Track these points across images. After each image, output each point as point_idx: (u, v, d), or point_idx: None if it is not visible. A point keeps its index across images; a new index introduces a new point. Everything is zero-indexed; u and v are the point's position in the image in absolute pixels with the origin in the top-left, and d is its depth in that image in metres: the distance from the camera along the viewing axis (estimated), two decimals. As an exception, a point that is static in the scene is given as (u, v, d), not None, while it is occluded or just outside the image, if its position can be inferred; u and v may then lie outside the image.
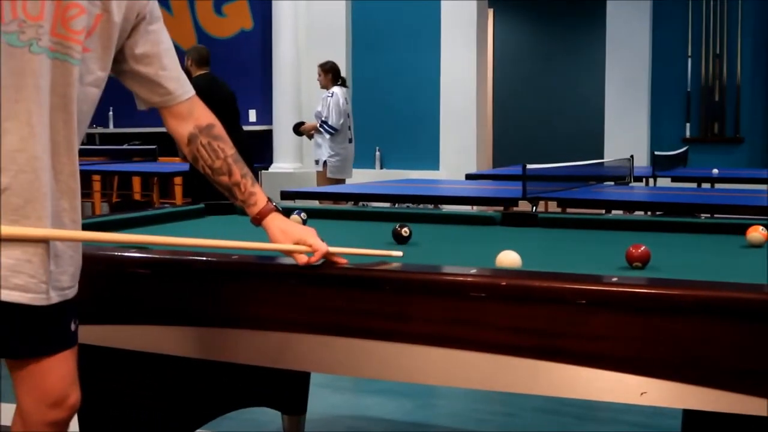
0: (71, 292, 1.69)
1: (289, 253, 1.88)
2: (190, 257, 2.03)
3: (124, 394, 2.38)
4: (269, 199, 1.95)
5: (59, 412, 1.70)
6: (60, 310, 1.66)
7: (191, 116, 1.91)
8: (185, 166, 8.46)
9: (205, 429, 2.81)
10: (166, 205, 6.46)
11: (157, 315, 2.03)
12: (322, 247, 1.85)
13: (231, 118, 7.21)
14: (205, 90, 6.99)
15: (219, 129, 1.95)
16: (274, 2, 11.35)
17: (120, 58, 1.81)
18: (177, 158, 9.58)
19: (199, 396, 2.68)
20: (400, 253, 1.97)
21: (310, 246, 1.85)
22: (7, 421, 1.82)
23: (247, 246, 1.91)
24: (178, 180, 9.36)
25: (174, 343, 2.02)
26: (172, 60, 1.87)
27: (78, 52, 1.65)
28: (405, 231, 2.45)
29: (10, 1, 1.57)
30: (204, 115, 1.94)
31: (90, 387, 1.90)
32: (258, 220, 1.93)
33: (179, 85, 1.89)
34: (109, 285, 2.08)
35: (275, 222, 1.91)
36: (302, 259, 1.85)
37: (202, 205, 3.18)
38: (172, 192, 9.61)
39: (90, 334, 2.02)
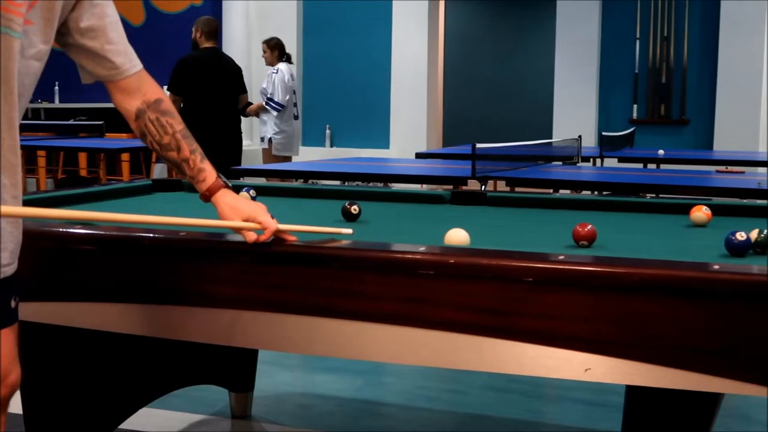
0: (11, 269, 1.65)
1: (238, 230, 1.87)
2: (137, 234, 2.00)
3: (68, 372, 2.35)
4: (219, 175, 1.93)
5: None
6: None
7: (139, 91, 1.88)
8: (133, 143, 8.36)
9: (152, 407, 2.80)
10: (113, 182, 6.38)
11: (103, 292, 2.00)
12: (272, 224, 1.83)
13: (238, 92, 7.16)
14: (213, 62, 6.94)
15: (167, 104, 1.93)
16: (224, -23, 11.22)
17: (65, 31, 1.77)
18: (124, 134, 9.45)
19: (146, 374, 2.66)
20: (349, 231, 1.96)
21: (259, 223, 1.84)
22: None
23: (195, 223, 1.89)
24: (125, 156, 9.23)
25: (121, 320, 2.00)
26: (118, 33, 1.83)
27: (19, 25, 1.60)
28: (354, 209, 2.44)
29: None
30: (152, 90, 1.91)
31: (33, 365, 1.87)
32: (207, 197, 1.91)
33: (127, 59, 1.85)
34: (53, 262, 2.04)
35: (225, 198, 1.90)
36: (251, 236, 1.84)
37: (149, 181, 3.14)
38: (119, 168, 9.47)
39: (33, 311, 1.99)
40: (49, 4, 1.66)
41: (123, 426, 2.59)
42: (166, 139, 1.90)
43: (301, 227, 1.93)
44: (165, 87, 6.52)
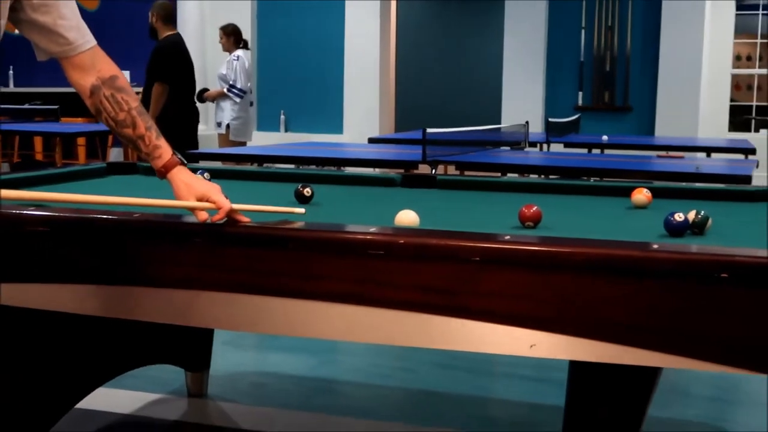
0: None
1: (192, 209, 1.85)
2: (92, 215, 1.97)
3: (23, 352, 2.31)
4: (174, 153, 1.92)
5: None
6: None
7: (93, 68, 1.86)
8: (89, 127, 8.23)
9: (109, 386, 2.77)
10: (68, 166, 6.27)
11: (58, 273, 1.97)
12: (226, 204, 1.82)
13: (194, 86, 7.04)
14: (181, 49, 6.76)
15: (122, 81, 1.90)
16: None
17: (17, 7, 1.73)
18: (80, 119, 9.29)
19: (101, 354, 2.63)
20: (302, 210, 1.95)
21: (213, 203, 1.82)
22: None
23: (149, 203, 1.87)
24: (81, 141, 9.09)
25: (76, 301, 1.97)
26: (71, 9, 1.81)
27: None
28: (307, 191, 2.43)
29: None
30: (107, 67, 1.89)
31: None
32: (162, 173, 1.90)
33: (80, 34, 1.83)
34: (7, 243, 2.00)
35: (180, 175, 1.88)
36: (203, 215, 1.82)
37: (104, 165, 3.09)
38: (75, 153, 9.32)
39: (-12, 292, 1.96)
40: None
41: (79, 406, 2.56)
42: (121, 115, 1.88)
43: (253, 207, 1.92)
44: (157, 80, 6.33)
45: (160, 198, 1.90)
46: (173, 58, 6.53)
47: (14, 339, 2.28)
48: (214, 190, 1.84)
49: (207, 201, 1.83)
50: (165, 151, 1.90)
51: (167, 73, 6.47)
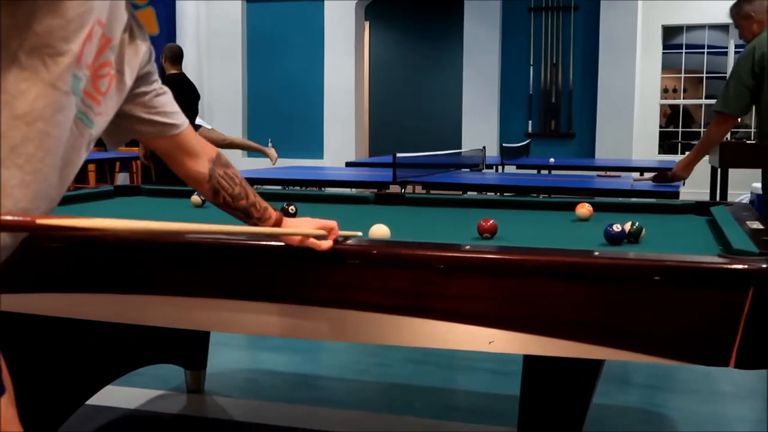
0: None
1: (308, 241, 1.66)
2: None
3: (43, 353, 2.28)
4: (273, 207, 1.75)
5: None
6: None
7: (203, 151, 1.60)
8: (98, 155, 8.13)
9: (116, 384, 2.73)
10: (79, 189, 6.19)
11: (75, 284, 1.93)
12: (336, 228, 1.69)
13: (195, 115, 6.99)
14: (181, 87, 6.70)
15: (223, 155, 1.65)
16: (177, 8, 11.03)
17: (128, 111, 1.45)
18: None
19: (110, 355, 2.59)
20: (359, 233, 1.84)
21: (332, 228, 1.68)
22: None
23: (271, 232, 1.69)
24: (91, 167, 9.01)
25: (92, 308, 1.93)
26: (171, 104, 1.54)
27: (95, 115, 1.28)
28: (291, 208, 2.41)
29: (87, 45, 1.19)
30: (209, 146, 1.63)
31: (8, 350, 1.80)
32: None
33: (181, 113, 1.56)
34: (24, 257, 1.96)
35: (289, 222, 1.75)
36: (326, 244, 1.65)
37: (111, 188, 3.06)
38: (86, 177, 9.24)
39: (9, 303, 1.92)
40: (119, 93, 1.36)
41: (89, 402, 2.53)
42: (236, 189, 1.65)
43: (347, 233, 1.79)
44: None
45: (168, 219, 1.85)
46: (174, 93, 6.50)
47: (34, 342, 2.24)
48: (320, 221, 1.70)
49: (323, 228, 1.67)
50: (272, 209, 1.71)
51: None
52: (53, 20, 1.12)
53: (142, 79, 1.43)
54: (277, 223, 1.72)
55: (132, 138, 1.52)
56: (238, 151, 8.27)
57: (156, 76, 1.49)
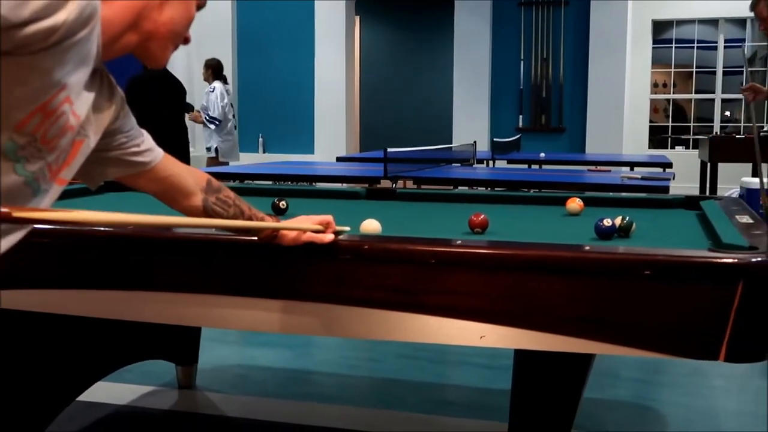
0: None
1: (308, 236, 1.66)
2: (94, 229, 1.92)
3: (35, 349, 2.26)
4: (271, 214, 1.73)
5: None
6: None
7: (195, 183, 1.57)
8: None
9: (107, 381, 2.72)
10: (72, 184, 6.16)
11: (65, 280, 1.92)
12: (332, 223, 1.70)
13: (182, 112, 7.03)
14: (163, 82, 6.74)
15: (212, 178, 1.63)
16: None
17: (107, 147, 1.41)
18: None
19: (101, 351, 2.58)
20: (347, 228, 1.82)
21: (328, 222, 1.68)
22: None
23: (278, 226, 1.66)
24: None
25: (82, 305, 1.92)
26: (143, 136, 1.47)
27: (95, 135, 1.28)
28: (282, 204, 2.41)
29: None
30: (197, 174, 1.59)
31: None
32: (272, 238, 1.68)
33: (153, 149, 1.49)
34: (16, 254, 1.95)
35: (288, 224, 1.71)
36: (328, 237, 1.66)
37: (100, 182, 3.04)
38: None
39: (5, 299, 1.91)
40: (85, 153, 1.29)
41: (81, 398, 2.51)
42: (231, 210, 1.62)
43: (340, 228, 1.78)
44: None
45: (154, 211, 1.84)
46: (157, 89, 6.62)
47: (24, 339, 2.23)
48: (316, 217, 1.69)
49: (320, 224, 1.67)
50: (269, 219, 1.68)
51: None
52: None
53: (109, 133, 1.37)
54: (275, 229, 1.67)
55: (106, 180, 1.48)
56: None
57: (128, 120, 1.42)
